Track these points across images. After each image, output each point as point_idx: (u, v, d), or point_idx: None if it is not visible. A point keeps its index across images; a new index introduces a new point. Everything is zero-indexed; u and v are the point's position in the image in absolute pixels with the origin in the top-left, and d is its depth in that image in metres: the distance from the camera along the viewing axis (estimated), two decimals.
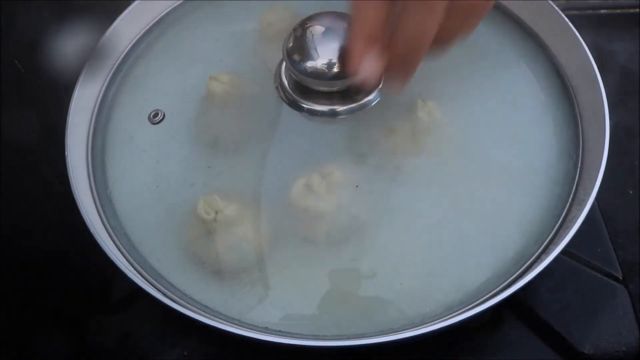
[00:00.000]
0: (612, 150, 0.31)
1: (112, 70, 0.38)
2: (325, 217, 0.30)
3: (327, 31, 0.31)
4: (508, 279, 0.29)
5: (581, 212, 0.29)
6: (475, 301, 0.28)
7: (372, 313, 0.28)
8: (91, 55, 0.36)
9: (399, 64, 0.26)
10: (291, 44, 0.32)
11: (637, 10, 0.62)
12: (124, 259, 0.30)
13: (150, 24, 0.40)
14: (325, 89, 0.32)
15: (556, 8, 0.37)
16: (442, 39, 0.26)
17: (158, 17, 0.41)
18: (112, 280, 0.39)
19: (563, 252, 0.28)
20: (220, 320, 0.28)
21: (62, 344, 0.34)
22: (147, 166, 0.33)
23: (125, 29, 0.39)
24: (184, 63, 0.37)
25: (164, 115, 0.35)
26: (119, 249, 0.31)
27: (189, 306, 0.29)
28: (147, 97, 0.36)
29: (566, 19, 0.36)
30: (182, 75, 0.36)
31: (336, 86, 0.32)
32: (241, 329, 0.27)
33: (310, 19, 0.32)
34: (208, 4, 0.40)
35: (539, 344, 0.36)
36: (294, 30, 0.32)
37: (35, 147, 0.36)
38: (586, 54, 0.34)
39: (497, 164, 0.32)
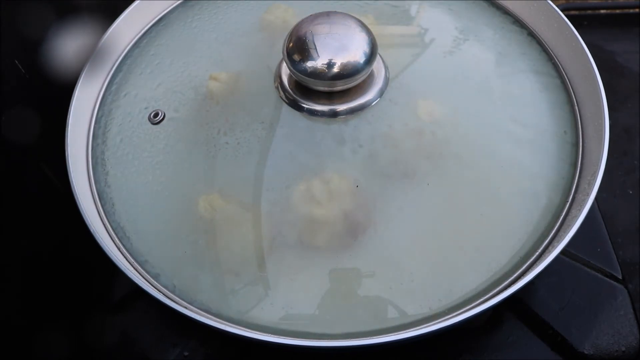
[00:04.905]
0: (612, 150, 0.31)
1: (112, 70, 0.38)
2: (326, 222, 0.30)
3: (327, 31, 0.31)
4: (508, 279, 0.29)
5: (581, 212, 0.29)
6: (475, 301, 0.28)
7: (372, 313, 0.28)
8: (91, 55, 0.36)
9: None
10: (291, 44, 0.32)
11: (637, 10, 0.62)
12: (124, 259, 0.30)
13: (150, 24, 0.40)
14: (325, 89, 0.32)
15: (556, 8, 0.37)
16: None
17: (158, 17, 0.41)
18: (112, 280, 0.39)
19: (563, 252, 0.28)
20: (220, 320, 0.28)
21: (63, 344, 0.34)
22: (147, 166, 0.33)
23: (125, 29, 0.39)
24: (183, 63, 0.37)
25: (164, 115, 0.35)
26: (119, 249, 0.31)
27: (189, 306, 0.29)
28: (147, 97, 0.36)
29: (566, 19, 0.36)
30: (182, 75, 0.36)
31: (336, 86, 0.32)
32: (241, 329, 0.27)
33: (310, 19, 0.32)
34: (208, 4, 0.40)
35: (539, 344, 0.36)
36: (294, 30, 0.32)
37: (35, 147, 0.36)
38: (586, 54, 0.34)
39: (497, 164, 0.32)
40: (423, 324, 0.27)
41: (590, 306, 0.36)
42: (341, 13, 0.33)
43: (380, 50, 0.33)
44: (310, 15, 0.33)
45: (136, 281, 0.28)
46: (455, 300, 0.29)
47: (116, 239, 0.31)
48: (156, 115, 0.35)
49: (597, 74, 0.33)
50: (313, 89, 0.33)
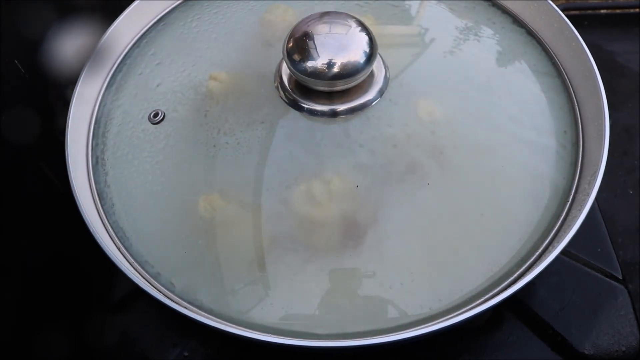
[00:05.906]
0: (612, 150, 0.31)
1: (112, 70, 0.38)
2: (326, 222, 0.30)
3: (327, 31, 0.31)
4: (508, 279, 0.29)
5: (581, 212, 0.29)
6: (475, 301, 0.28)
7: (372, 313, 0.28)
8: (91, 55, 0.36)
9: None
10: (291, 44, 0.32)
11: (637, 10, 0.62)
12: (124, 259, 0.30)
13: (150, 24, 0.40)
14: (325, 88, 0.32)
15: (556, 8, 0.37)
16: None
17: (158, 17, 0.41)
18: (112, 280, 0.39)
19: (563, 252, 0.28)
20: (220, 320, 0.28)
21: (63, 344, 0.34)
22: (147, 166, 0.33)
23: (125, 29, 0.39)
24: (183, 63, 0.37)
25: (164, 115, 0.35)
26: (119, 249, 0.31)
27: (189, 306, 0.29)
28: (147, 97, 0.36)
29: (566, 19, 0.36)
30: (182, 75, 0.36)
31: (336, 86, 0.32)
32: (241, 329, 0.27)
33: (310, 19, 0.32)
34: (208, 4, 0.40)
35: (539, 344, 0.36)
36: (294, 30, 0.32)
37: (35, 147, 0.36)
38: (586, 54, 0.34)
39: (497, 165, 0.32)
40: (423, 324, 0.27)
41: (591, 306, 0.36)
42: (341, 13, 0.33)
43: (380, 50, 0.33)
44: (310, 15, 0.33)
45: (136, 281, 0.28)
46: (455, 300, 0.29)
47: (116, 239, 0.31)
48: (156, 115, 0.35)
49: (597, 73, 0.33)
50: (313, 89, 0.33)
